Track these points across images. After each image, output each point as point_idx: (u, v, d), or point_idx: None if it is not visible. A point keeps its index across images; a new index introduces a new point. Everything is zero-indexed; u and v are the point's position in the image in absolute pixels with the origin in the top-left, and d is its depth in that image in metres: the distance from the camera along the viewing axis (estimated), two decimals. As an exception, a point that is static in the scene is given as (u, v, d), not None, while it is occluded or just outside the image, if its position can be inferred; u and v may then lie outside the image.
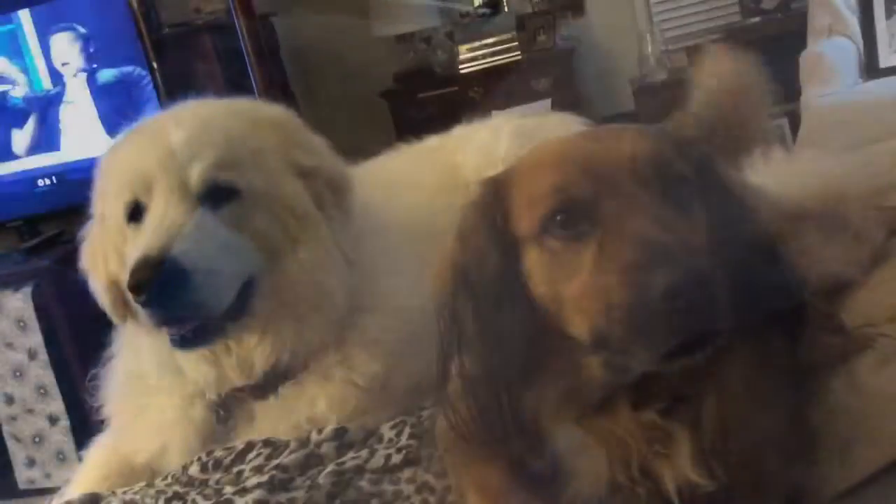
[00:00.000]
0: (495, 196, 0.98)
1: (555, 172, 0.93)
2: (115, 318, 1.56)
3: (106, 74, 3.65)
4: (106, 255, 1.52)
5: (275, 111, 1.58)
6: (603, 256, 0.87)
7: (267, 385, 1.49)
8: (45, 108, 3.77)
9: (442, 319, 0.97)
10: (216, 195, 1.41)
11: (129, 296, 1.37)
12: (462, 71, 5.15)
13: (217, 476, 1.39)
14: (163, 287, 1.29)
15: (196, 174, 1.39)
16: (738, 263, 0.93)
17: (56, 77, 3.77)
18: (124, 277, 1.38)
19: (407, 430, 1.40)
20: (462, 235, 0.99)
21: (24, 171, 3.79)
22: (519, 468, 0.97)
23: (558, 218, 0.91)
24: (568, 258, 0.90)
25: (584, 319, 0.89)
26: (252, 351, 1.46)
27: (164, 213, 1.37)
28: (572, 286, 0.90)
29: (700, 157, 0.99)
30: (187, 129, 1.44)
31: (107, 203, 1.51)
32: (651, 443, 0.92)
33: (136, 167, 1.43)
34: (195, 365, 1.47)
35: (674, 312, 0.81)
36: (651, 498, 0.92)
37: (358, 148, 1.98)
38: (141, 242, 1.35)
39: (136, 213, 1.43)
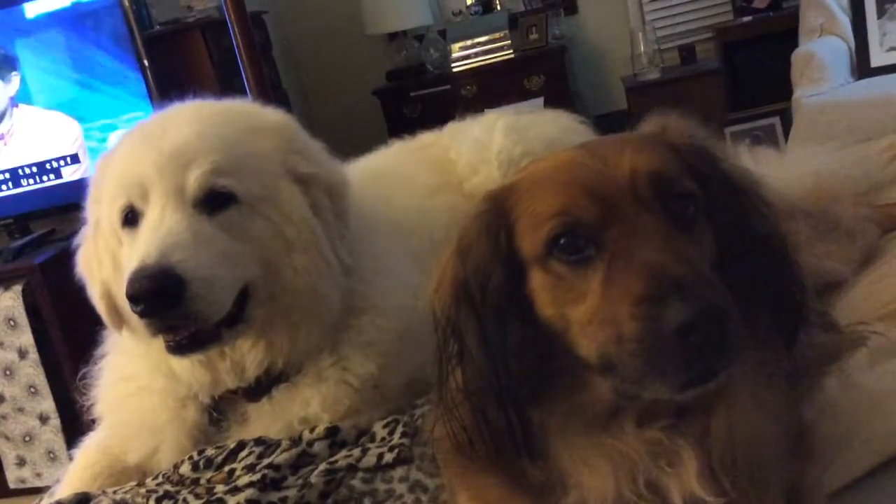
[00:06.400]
0: (498, 212, 0.96)
1: (557, 193, 0.92)
2: (111, 327, 1.53)
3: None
4: (100, 260, 1.50)
5: (274, 116, 1.56)
6: (611, 285, 0.86)
7: (260, 388, 1.48)
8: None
9: (442, 332, 0.96)
10: (213, 201, 1.38)
11: (126, 304, 1.34)
12: (454, 69, 5.15)
13: (208, 475, 1.39)
14: (160, 297, 1.27)
15: (193, 180, 1.37)
16: (753, 269, 0.93)
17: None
18: (119, 283, 1.36)
19: (399, 429, 1.40)
20: (463, 250, 0.97)
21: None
22: (518, 478, 0.97)
23: (562, 242, 0.90)
24: (574, 282, 0.90)
25: (591, 344, 0.88)
26: (245, 355, 1.45)
27: (160, 220, 1.35)
28: (579, 310, 0.89)
29: (705, 162, 0.98)
30: (185, 132, 1.41)
31: (102, 208, 1.49)
32: (656, 458, 0.92)
33: (131, 171, 1.40)
34: (189, 368, 1.46)
35: (688, 348, 0.80)
36: None
37: (351, 145, 1.98)
38: (138, 250, 1.33)
39: (131, 217, 1.41)
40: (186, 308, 1.29)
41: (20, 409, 3.45)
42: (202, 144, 1.40)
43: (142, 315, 1.30)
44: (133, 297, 1.28)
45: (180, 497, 1.34)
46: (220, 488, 1.32)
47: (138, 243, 1.35)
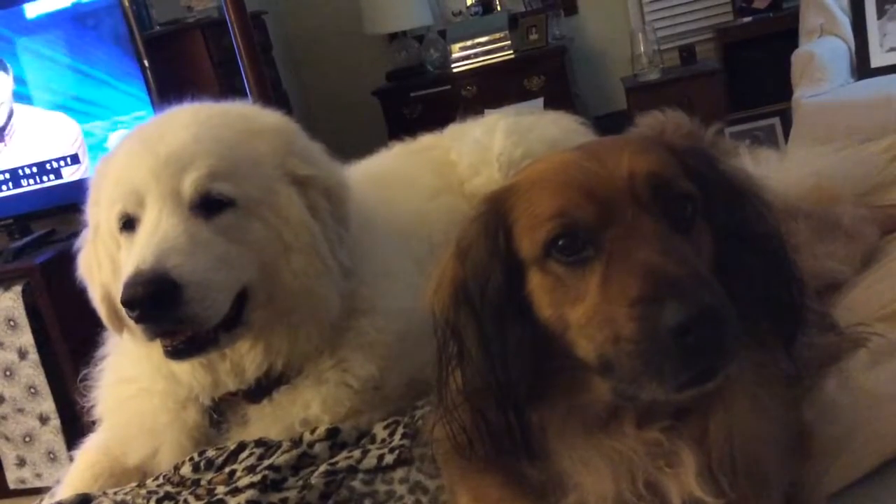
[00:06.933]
0: (497, 214, 0.97)
1: (555, 195, 0.92)
2: (112, 330, 1.53)
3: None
4: (100, 263, 1.50)
5: (272, 118, 1.56)
6: (609, 285, 0.86)
7: (261, 389, 1.48)
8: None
9: (441, 334, 0.96)
10: (210, 205, 1.38)
11: (123, 309, 1.35)
12: (454, 69, 5.15)
13: (209, 476, 1.39)
14: (156, 302, 1.27)
15: (189, 184, 1.37)
16: (751, 270, 0.93)
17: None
18: (118, 286, 1.36)
19: (400, 431, 1.40)
20: (462, 251, 0.97)
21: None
22: (518, 480, 0.97)
23: (560, 243, 0.90)
24: (572, 283, 0.90)
25: (590, 345, 0.88)
26: (245, 357, 1.45)
27: (156, 225, 1.35)
28: (577, 311, 0.89)
29: (703, 164, 0.98)
30: (181, 137, 1.41)
31: (100, 211, 1.49)
32: (655, 459, 0.92)
33: (128, 177, 1.40)
34: (189, 370, 1.46)
35: (685, 349, 0.81)
36: None
37: (351, 146, 1.98)
38: (134, 255, 1.33)
39: (129, 222, 1.40)
40: (182, 313, 1.29)
41: (20, 410, 3.45)
42: (198, 148, 1.40)
43: (137, 320, 1.30)
44: (128, 303, 1.28)
45: (181, 498, 1.34)
46: (220, 489, 1.32)
47: (135, 248, 1.35)
